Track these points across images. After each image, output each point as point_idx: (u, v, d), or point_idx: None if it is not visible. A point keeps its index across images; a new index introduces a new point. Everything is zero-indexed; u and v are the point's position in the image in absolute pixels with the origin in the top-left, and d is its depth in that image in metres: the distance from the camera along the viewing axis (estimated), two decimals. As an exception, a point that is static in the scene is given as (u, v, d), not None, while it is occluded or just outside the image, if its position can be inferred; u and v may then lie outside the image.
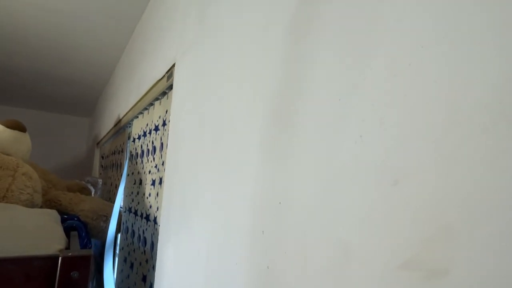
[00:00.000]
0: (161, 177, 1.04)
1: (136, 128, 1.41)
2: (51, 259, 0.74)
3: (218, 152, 0.64)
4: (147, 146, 1.22)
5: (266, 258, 0.44)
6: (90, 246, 1.57)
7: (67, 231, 1.08)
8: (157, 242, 0.97)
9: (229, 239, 0.55)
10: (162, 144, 1.07)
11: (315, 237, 0.37)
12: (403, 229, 0.28)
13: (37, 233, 0.89)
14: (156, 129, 1.15)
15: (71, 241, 0.98)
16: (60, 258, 0.74)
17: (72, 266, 0.74)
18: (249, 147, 0.53)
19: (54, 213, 1.19)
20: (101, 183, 2.28)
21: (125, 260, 1.27)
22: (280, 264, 0.42)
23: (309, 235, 0.38)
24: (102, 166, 2.45)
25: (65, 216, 1.31)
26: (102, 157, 2.46)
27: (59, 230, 1.02)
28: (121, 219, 1.45)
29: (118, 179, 1.72)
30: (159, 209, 1.02)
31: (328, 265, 0.35)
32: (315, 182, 0.38)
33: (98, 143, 2.65)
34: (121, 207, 1.57)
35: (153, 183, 1.11)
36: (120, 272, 1.29)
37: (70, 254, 0.76)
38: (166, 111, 1.08)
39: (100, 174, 2.49)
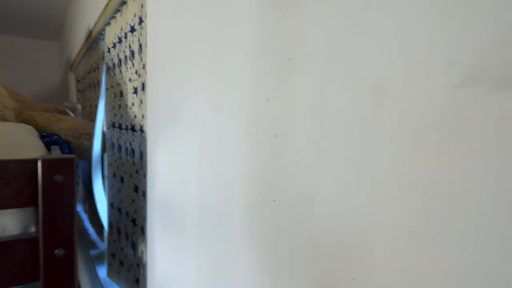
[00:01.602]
0: (143, 82, 0.95)
1: (110, 36, 1.26)
2: (30, 163, 0.68)
3: (209, 31, 0.55)
4: (124, 52, 1.09)
5: (272, 127, 0.39)
6: (76, 164, 1.53)
7: (47, 145, 1.01)
8: (146, 151, 0.92)
9: (222, 131, 0.49)
10: (140, 45, 0.96)
11: (333, 79, 0.31)
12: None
13: (13, 143, 0.82)
14: (132, 30, 1.01)
15: (52, 153, 0.92)
16: (39, 161, 0.68)
17: (55, 170, 0.69)
18: (244, 24, 0.44)
19: (31, 128, 1.11)
20: (80, 107, 2.15)
21: (114, 175, 1.23)
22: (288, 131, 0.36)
23: (327, 76, 0.32)
24: (79, 90, 2.30)
25: (44, 134, 1.23)
26: (78, 81, 2.30)
27: (37, 142, 0.95)
28: (105, 138, 1.38)
29: (98, 99, 1.61)
30: (144, 117, 0.95)
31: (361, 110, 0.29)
32: (331, 25, 0.31)
33: (71, 66, 2.44)
34: (103, 127, 1.49)
35: (135, 91, 1.01)
36: (110, 187, 1.27)
37: (50, 157, 0.70)
38: (142, 6, 0.94)
39: (78, 99, 2.35)
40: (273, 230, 0.39)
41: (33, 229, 0.71)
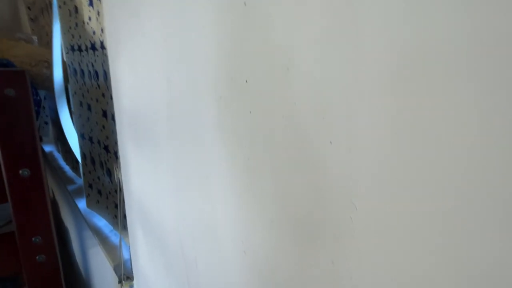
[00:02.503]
0: (97, -11, 0.83)
1: None
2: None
3: None
4: (73, -43, 0.94)
5: (241, -6, 0.33)
6: (36, 95, 1.42)
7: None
8: (108, 68, 0.84)
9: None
10: None
11: None
12: None
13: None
14: None
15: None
16: (-17, 74, 0.60)
17: (3, 84, 0.61)
18: None
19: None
20: (36, 39, 1.95)
21: (81, 104, 1.15)
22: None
23: None
24: (31, 19, 2.06)
25: (-6, 60, 1.10)
26: (29, 8, 2.04)
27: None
28: (65, 64, 1.26)
29: (52, 22, 1.44)
30: (103, 31, 0.85)
31: None
32: None
33: (18, -9, 2.15)
34: (63, 53, 1.35)
35: (91, 2, 0.90)
36: (78, 118, 1.20)
37: (-4, 69, 0.62)
38: None
39: (33, 30, 2.12)
40: (247, 114, 0.36)
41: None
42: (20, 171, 0.64)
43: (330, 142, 0.28)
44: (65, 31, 1.14)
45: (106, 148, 1.03)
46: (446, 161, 0.20)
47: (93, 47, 0.94)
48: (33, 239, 0.68)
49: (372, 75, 0.24)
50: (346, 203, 0.27)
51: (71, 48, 1.12)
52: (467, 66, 0.19)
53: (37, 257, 0.73)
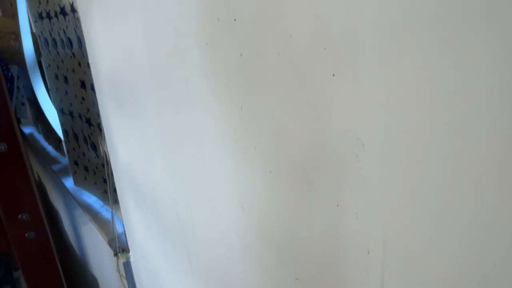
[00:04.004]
0: None
1: None
2: None
3: None
4: None
5: None
6: (7, 71, 1.33)
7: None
8: (83, 35, 0.78)
9: None
10: None
11: None
12: None
13: None
14: None
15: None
16: None
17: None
18: None
19: None
20: (0, 12, 1.81)
21: (57, 77, 1.09)
22: None
23: None
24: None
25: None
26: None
27: None
28: (35, 35, 1.18)
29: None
30: (73, -9, 0.78)
31: None
32: None
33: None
34: (31, 23, 1.26)
35: (55, -40, 0.81)
36: (56, 92, 1.13)
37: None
38: None
39: (-4, 3, 1.96)
40: (238, 57, 0.33)
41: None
42: (-4, 146, 0.60)
43: (333, 75, 0.25)
44: (30, -2, 1.05)
45: (88, 121, 0.98)
46: (458, 92, 0.18)
47: (63, 12, 0.87)
48: (19, 216, 0.66)
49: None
50: (351, 140, 0.25)
51: (39, 15, 1.03)
52: None
53: (26, 235, 0.71)
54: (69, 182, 1.34)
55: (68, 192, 1.31)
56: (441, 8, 0.18)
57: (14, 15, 1.48)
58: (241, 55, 0.33)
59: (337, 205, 0.28)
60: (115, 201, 0.97)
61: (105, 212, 1.09)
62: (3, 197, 0.61)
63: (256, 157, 0.35)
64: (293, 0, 0.26)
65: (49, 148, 1.78)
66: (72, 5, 0.80)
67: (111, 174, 0.92)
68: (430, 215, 0.22)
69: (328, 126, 0.27)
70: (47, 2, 0.95)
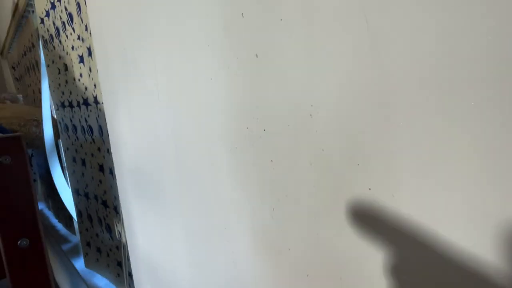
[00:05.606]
0: (88, 46, 0.84)
1: (40, 4, 1.10)
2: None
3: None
4: (60, 18, 0.96)
5: (252, 45, 0.34)
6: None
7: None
8: (105, 122, 0.83)
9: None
10: (78, 4, 0.83)
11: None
12: None
13: None
14: (66, -12, 0.88)
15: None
16: (-22, 144, 0.58)
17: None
18: None
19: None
20: (21, 97, 1.94)
21: (74, 160, 1.12)
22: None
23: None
24: (16, 78, 2.06)
25: (-18, 125, 1.07)
26: (13, 68, 2.05)
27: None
28: (56, 122, 1.25)
29: (40, 80, 1.44)
30: (97, 86, 0.85)
31: None
32: None
33: (1, 52, 2.17)
34: (52, 110, 1.34)
35: (81, 60, 0.90)
36: (72, 174, 1.16)
37: (-10, 138, 0.60)
38: (72, -43, 0.81)
39: (18, 89, 2.11)
40: (268, 163, 0.35)
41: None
42: (19, 242, 0.60)
43: (369, 189, 0.27)
44: (54, 89, 1.14)
45: (104, 203, 0.99)
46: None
47: (86, 103, 0.93)
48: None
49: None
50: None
51: (61, 104, 1.11)
52: None
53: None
54: (79, 264, 1.31)
55: (78, 274, 1.26)
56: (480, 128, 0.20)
57: (35, 102, 1.58)
58: (271, 160, 0.35)
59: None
60: (129, 285, 0.93)
61: (118, 297, 1.04)
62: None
63: (291, 260, 0.36)
64: (321, 122, 0.29)
65: (59, 226, 1.77)
66: (95, 98, 0.87)
67: (126, 258, 0.90)
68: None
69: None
70: (71, 92, 1.02)
